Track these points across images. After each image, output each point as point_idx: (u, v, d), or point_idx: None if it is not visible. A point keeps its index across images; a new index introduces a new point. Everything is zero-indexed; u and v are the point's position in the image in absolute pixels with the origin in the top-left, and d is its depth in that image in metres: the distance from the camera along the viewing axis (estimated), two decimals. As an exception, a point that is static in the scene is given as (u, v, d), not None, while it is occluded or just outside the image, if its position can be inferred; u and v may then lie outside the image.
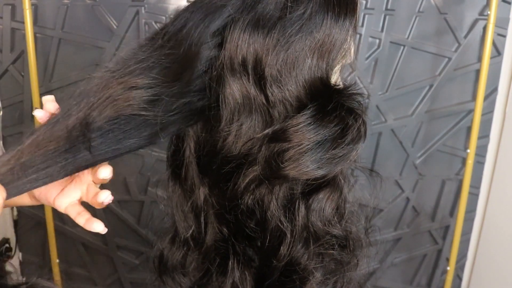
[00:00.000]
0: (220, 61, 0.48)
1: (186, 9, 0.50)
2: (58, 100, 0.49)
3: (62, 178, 0.46)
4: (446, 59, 1.36)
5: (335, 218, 0.53)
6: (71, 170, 0.46)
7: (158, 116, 0.47)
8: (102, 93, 0.46)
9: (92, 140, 0.46)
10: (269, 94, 0.48)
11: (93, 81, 0.47)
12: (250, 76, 0.48)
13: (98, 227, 0.47)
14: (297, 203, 0.52)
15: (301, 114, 0.48)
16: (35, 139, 0.46)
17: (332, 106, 0.48)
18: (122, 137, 0.47)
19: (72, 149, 0.46)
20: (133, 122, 0.47)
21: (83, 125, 0.45)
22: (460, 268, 1.57)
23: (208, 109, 0.50)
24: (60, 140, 0.45)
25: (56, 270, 1.38)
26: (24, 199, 0.51)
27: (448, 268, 1.49)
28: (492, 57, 1.32)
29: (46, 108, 0.48)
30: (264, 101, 0.49)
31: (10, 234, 1.40)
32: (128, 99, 0.46)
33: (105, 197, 0.48)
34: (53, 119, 0.46)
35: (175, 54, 0.48)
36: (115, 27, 1.27)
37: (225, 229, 0.54)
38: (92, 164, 0.47)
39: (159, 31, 0.50)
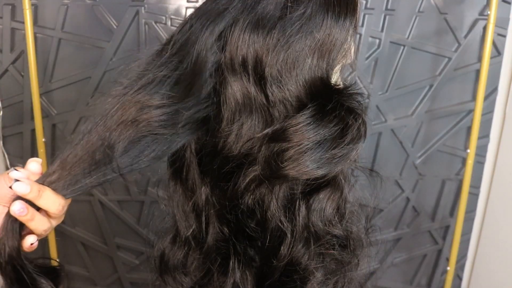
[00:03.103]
0: (221, 62, 0.48)
1: (191, 16, 0.50)
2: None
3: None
4: (446, 59, 1.36)
5: (336, 218, 0.53)
6: (95, 186, 0.49)
7: (176, 133, 0.49)
8: (120, 114, 0.48)
9: (119, 162, 0.48)
10: (269, 94, 0.48)
11: (110, 100, 0.49)
12: (251, 76, 0.48)
13: (30, 239, 0.49)
14: (297, 203, 0.52)
15: (301, 114, 0.48)
16: (62, 162, 0.48)
17: (332, 105, 0.48)
18: (141, 155, 0.49)
19: (98, 170, 0.48)
20: (151, 140, 0.49)
21: (105, 147, 0.47)
22: (460, 268, 1.57)
23: (212, 113, 0.51)
24: (85, 162, 0.48)
25: (56, 270, 1.38)
26: None
27: (448, 268, 1.49)
28: (492, 57, 1.32)
29: (29, 167, 0.48)
30: (264, 101, 0.49)
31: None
32: (147, 119, 0.47)
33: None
34: (76, 142, 0.48)
35: (184, 64, 0.48)
36: (115, 27, 1.27)
37: (226, 229, 0.54)
38: (112, 179, 0.50)
39: (167, 42, 0.51)
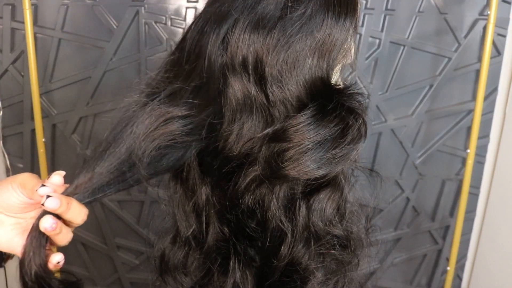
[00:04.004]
0: (222, 62, 0.48)
1: (199, 18, 0.50)
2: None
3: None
4: (446, 59, 1.36)
5: (336, 218, 0.53)
6: (118, 191, 0.49)
7: (199, 139, 0.49)
8: (147, 124, 0.47)
9: (146, 172, 0.48)
10: (270, 94, 0.48)
11: (133, 107, 0.49)
12: (251, 76, 0.48)
13: (57, 258, 0.48)
14: (297, 203, 0.52)
15: (301, 114, 0.48)
16: (88, 172, 0.47)
17: (332, 106, 0.48)
18: (160, 162, 0.49)
19: (123, 180, 0.48)
20: (174, 148, 0.49)
21: (133, 157, 0.47)
22: (460, 268, 1.57)
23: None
24: (112, 173, 0.47)
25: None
26: None
27: (448, 268, 1.49)
28: (492, 57, 1.32)
29: (52, 181, 0.47)
30: (264, 101, 0.49)
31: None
32: (174, 130, 0.47)
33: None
34: (101, 151, 0.48)
35: (199, 72, 0.48)
36: (115, 27, 1.27)
37: (226, 229, 0.54)
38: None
39: (181, 47, 0.51)
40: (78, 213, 0.46)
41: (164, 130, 0.47)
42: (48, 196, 0.44)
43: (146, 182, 0.49)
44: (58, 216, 0.45)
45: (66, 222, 0.47)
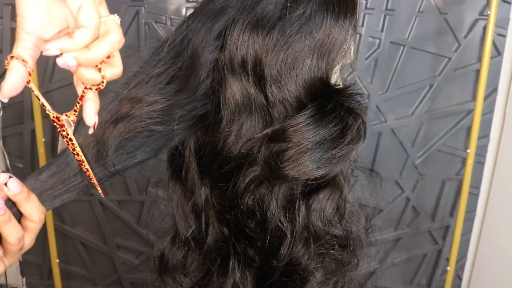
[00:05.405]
0: (220, 62, 0.48)
1: (189, 16, 0.50)
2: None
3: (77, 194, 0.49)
4: (446, 59, 1.36)
5: (336, 218, 0.53)
6: (86, 186, 0.49)
7: (172, 129, 0.48)
8: (114, 111, 0.47)
9: (111, 159, 0.47)
10: (269, 94, 0.48)
11: (105, 97, 0.48)
12: (250, 77, 0.48)
13: None
14: (297, 203, 0.52)
15: (300, 114, 0.48)
16: (56, 159, 0.47)
17: (332, 106, 0.48)
18: (133, 152, 0.49)
19: (91, 168, 0.47)
20: (147, 136, 0.48)
21: (98, 143, 0.47)
22: (460, 268, 1.57)
23: (210, 112, 0.51)
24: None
25: (56, 270, 1.38)
26: None
27: (448, 268, 1.49)
28: (492, 57, 1.32)
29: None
30: (264, 101, 0.49)
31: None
32: (140, 115, 0.47)
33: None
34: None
35: (180, 61, 0.48)
36: (115, 27, 1.27)
37: (225, 229, 0.54)
38: (108, 176, 0.49)
39: (164, 40, 0.51)
40: (36, 207, 0.44)
41: (130, 113, 0.47)
42: (10, 177, 0.42)
43: (115, 171, 0.49)
44: (17, 209, 0.44)
45: (21, 222, 0.44)
